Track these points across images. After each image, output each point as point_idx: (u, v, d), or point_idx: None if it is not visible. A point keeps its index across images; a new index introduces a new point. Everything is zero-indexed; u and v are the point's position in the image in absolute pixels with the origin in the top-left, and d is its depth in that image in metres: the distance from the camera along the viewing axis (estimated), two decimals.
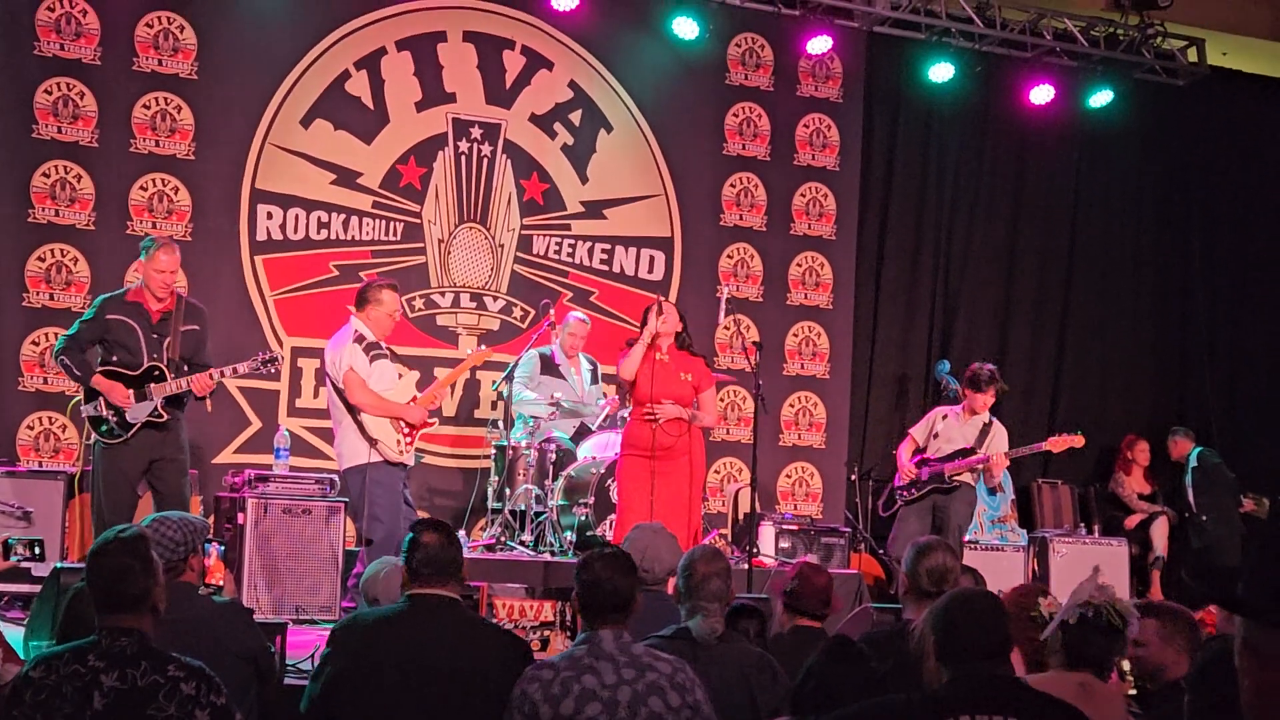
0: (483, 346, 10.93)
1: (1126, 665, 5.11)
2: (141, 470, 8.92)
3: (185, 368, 9.00)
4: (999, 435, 11.09)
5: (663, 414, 9.38)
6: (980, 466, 10.92)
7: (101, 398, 8.79)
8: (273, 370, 9.39)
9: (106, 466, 8.86)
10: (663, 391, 9.43)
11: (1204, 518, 13.48)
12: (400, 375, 9.82)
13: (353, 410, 9.25)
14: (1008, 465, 11.23)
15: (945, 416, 11.20)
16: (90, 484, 9.10)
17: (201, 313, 9.27)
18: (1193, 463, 13.75)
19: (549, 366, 11.30)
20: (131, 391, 8.82)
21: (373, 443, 9.22)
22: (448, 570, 5.16)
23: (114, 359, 8.87)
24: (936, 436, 11.09)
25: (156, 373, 8.90)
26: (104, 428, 8.84)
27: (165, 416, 8.93)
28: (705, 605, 5.44)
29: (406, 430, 9.38)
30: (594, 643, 4.77)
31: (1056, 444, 11.32)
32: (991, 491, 12.05)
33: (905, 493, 11.04)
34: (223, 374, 9.10)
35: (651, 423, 9.35)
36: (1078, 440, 11.30)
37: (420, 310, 12.10)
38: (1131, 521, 13.63)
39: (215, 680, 4.19)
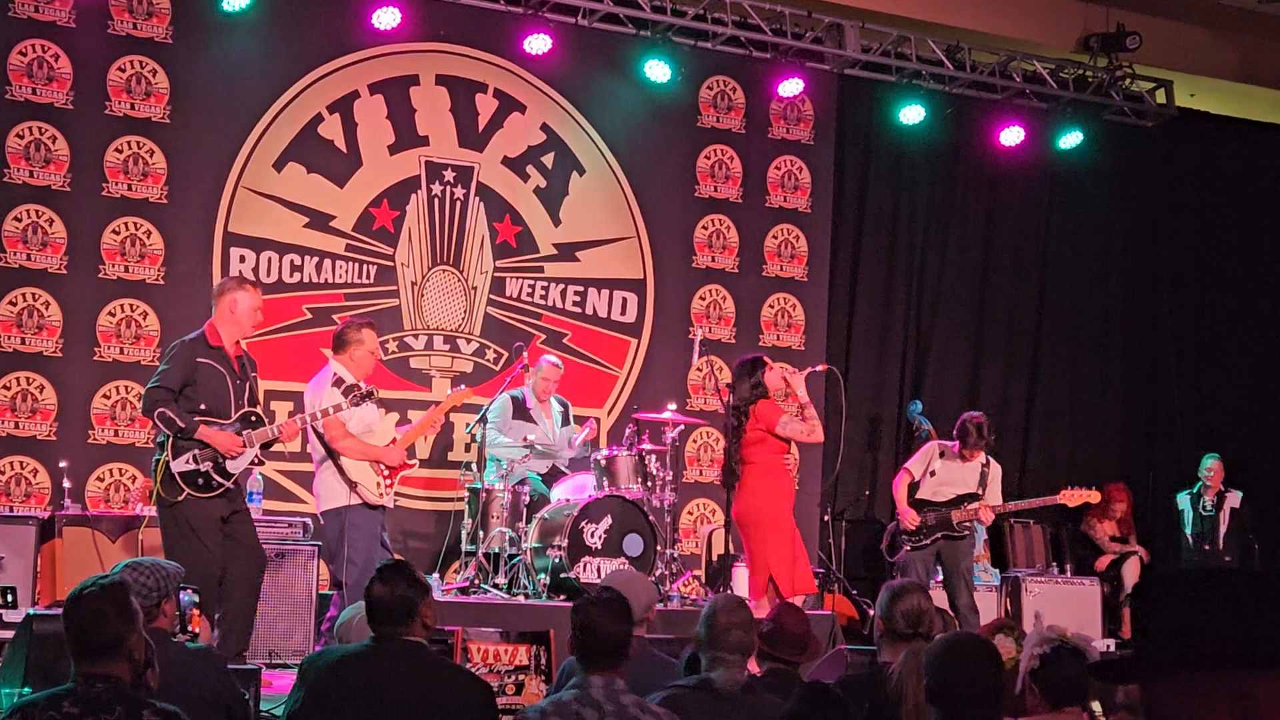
0: (462, 386, 10.90)
1: (1097, 707, 5.10)
2: (219, 525, 8.59)
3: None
4: (996, 480, 11.08)
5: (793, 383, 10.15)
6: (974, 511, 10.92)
7: (194, 451, 8.44)
8: (364, 405, 9.19)
9: (197, 516, 8.45)
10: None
11: (1226, 559, 13.42)
12: (381, 416, 9.80)
13: (333, 453, 9.21)
14: (993, 518, 11.24)
15: (943, 453, 11.11)
16: (168, 539, 8.51)
17: (254, 362, 9.18)
18: (1233, 503, 13.65)
19: (521, 410, 11.31)
20: (242, 439, 8.58)
21: (352, 485, 9.16)
22: (401, 616, 5.15)
23: (201, 407, 8.53)
24: (934, 475, 11.03)
25: (253, 419, 8.73)
26: (199, 481, 8.45)
27: (264, 463, 8.81)
28: (726, 656, 5.40)
29: (386, 472, 9.35)
30: (584, 688, 4.76)
31: (1071, 498, 11.34)
32: None
33: (912, 539, 10.92)
34: (305, 419, 9.00)
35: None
36: (1094, 495, 11.40)
37: (393, 353, 12.09)
38: (1102, 563, 13.64)
39: None
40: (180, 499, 8.43)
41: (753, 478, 9.95)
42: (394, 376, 12.02)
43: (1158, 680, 2.20)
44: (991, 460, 11.11)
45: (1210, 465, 13.78)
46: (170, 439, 8.42)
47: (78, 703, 4.12)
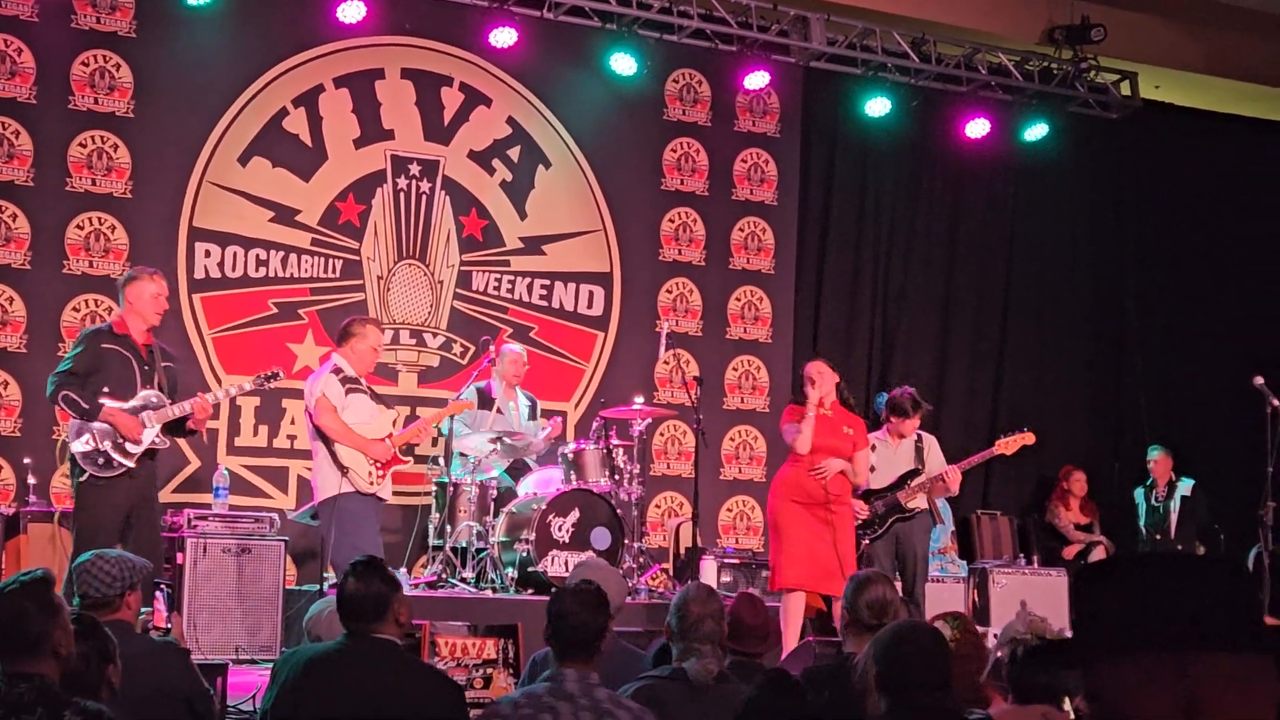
0: (462, 396, 10.92)
1: (1068, 705, 5.08)
2: (126, 514, 8.68)
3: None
4: (934, 446, 11.00)
5: (828, 469, 9.78)
6: (934, 485, 10.81)
7: (92, 431, 8.58)
8: (271, 386, 9.46)
9: (96, 501, 8.60)
10: (825, 445, 9.82)
11: (1179, 548, 13.47)
12: (381, 412, 9.85)
13: (327, 440, 9.29)
14: (960, 478, 11.06)
15: (874, 446, 11.02)
16: (75, 525, 8.73)
17: (173, 354, 9.33)
18: (1184, 491, 13.75)
19: (486, 401, 11.29)
20: (140, 419, 8.70)
21: (344, 471, 9.28)
22: (372, 613, 5.14)
23: (104, 391, 8.66)
24: (873, 469, 10.98)
25: (155, 400, 8.82)
26: (100, 461, 8.61)
27: (167, 443, 8.92)
28: (698, 647, 5.41)
29: (379, 464, 9.46)
30: (557, 681, 4.75)
31: (1007, 445, 11.13)
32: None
33: (868, 531, 10.88)
34: (218, 397, 9.17)
35: (820, 477, 9.74)
36: (1028, 438, 11.13)
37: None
38: (1069, 552, 13.70)
39: None
40: (83, 480, 8.62)
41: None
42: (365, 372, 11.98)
43: (1096, 663, 2.18)
44: (924, 434, 11.02)
45: (1154, 456, 13.89)
46: (70, 421, 8.65)
47: (0, 704, 4.06)
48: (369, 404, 9.63)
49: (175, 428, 8.98)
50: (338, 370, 9.52)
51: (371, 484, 9.43)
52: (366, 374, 9.78)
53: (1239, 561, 12.47)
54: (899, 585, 10.29)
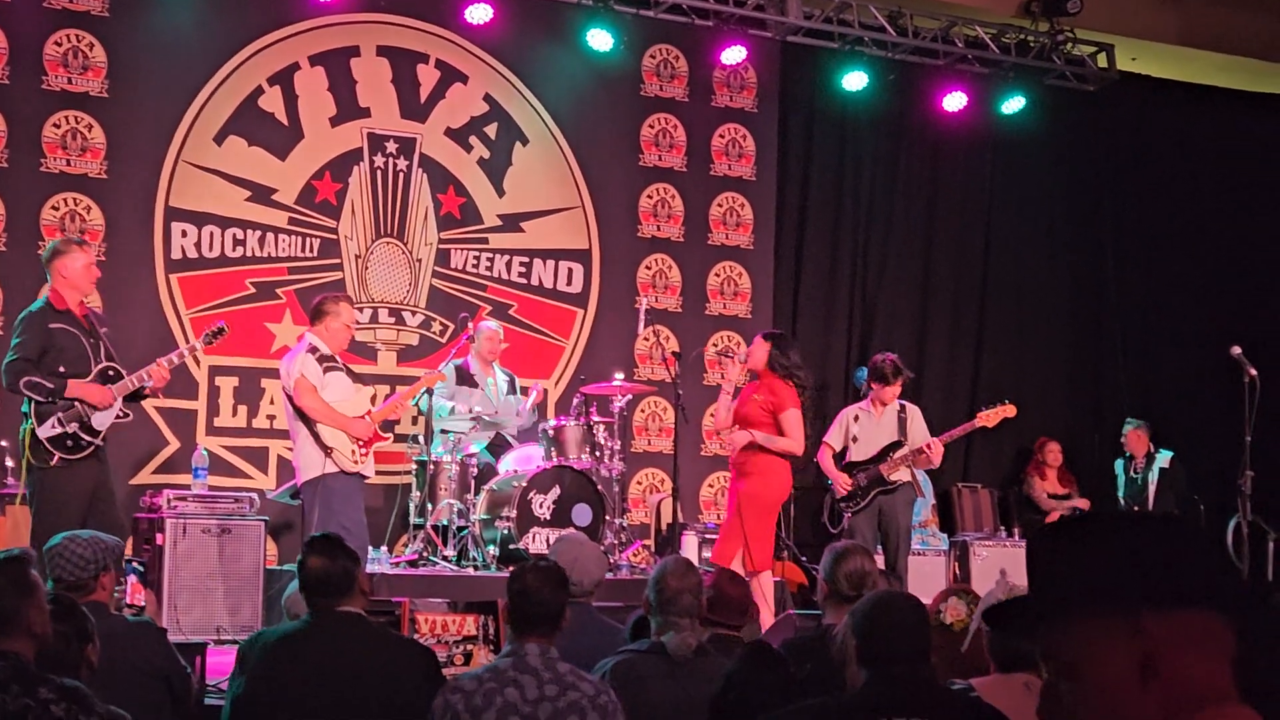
0: (440, 369, 10.91)
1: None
2: (90, 495, 8.60)
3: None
4: (917, 417, 10.99)
5: (735, 442, 9.96)
6: (915, 458, 10.81)
7: (58, 414, 8.48)
8: (217, 342, 9.44)
9: (64, 485, 8.50)
10: (738, 415, 10.01)
11: None
12: (357, 390, 9.81)
13: (308, 421, 9.26)
14: (943, 450, 11.04)
15: (857, 417, 11.03)
16: (39, 510, 8.52)
17: (104, 319, 9.26)
18: (1162, 463, 13.80)
19: (464, 377, 11.28)
20: (109, 389, 8.65)
21: (328, 451, 9.25)
22: (339, 588, 5.13)
23: (59, 369, 8.56)
24: (855, 440, 10.99)
25: (111, 373, 8.76)
26: (69, 444, 8.51)
27: (130, 415, 8.88)
28: (677, 620, 5.41)
29: (361, 442, 9.44)
30: (519, 655, 4.75)
31: (989, 417, 11.11)
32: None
33: (850, 504, 10.88)
34: (173, 360, 9.07)
35: (731, 450, 10.00)
36: (1009, 410, 11.10)
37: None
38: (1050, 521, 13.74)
39: (89, 701, 4.06)
40: (53, 464, 8.50)
41: None
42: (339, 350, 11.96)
43: (1052, 622, 2.18)
44: (906, 404, 11.02)
45: (1127, 432, 13.93)
46: (33, 406, 8.48)
47: None
48: (346, 381, 9.61)
49: (133, 395, 8.93)
50: (313, 349, 9.47)
51: (355, 463, 9.43)
52: (341, 351, 9.74)
53: (1194, 518, 12.51)
54: (881, 559, 10.31)
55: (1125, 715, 2.10)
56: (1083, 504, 13.86)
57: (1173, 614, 2.10)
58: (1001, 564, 12.11)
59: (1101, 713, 2.12)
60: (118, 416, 8.78)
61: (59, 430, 8.51)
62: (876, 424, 10.89)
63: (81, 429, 8.57)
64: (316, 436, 9.33)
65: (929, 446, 10.70)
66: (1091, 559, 2.15)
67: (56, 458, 8.50)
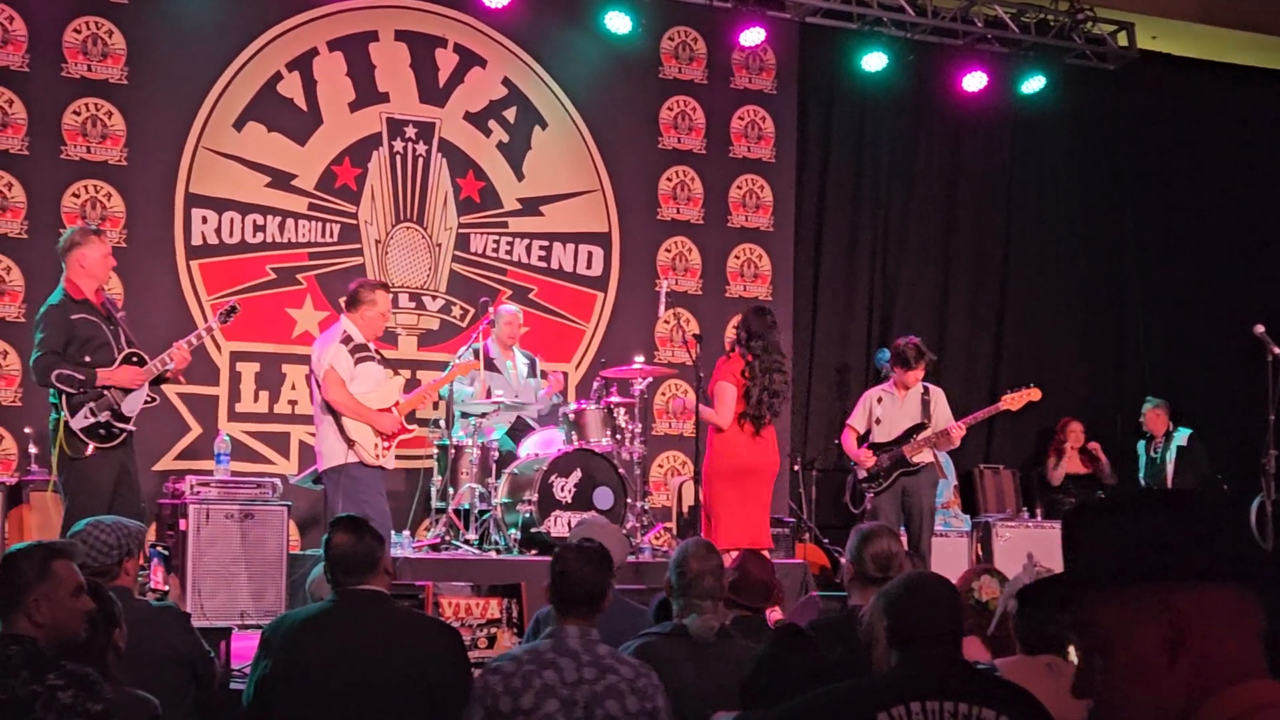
0: (469, 356, 10.87)
1: (1072, 654, 5.07)
2: (116, 481, 8.60)
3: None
4: (940, 400, 10.99)
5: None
6: (938, 440, 10.82)
7: (89, 404, 8.47)
8: (231, 319, 9.45)
9: (95, 473, 8.48)
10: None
11: None
12: (388, 377, 9.76)
13: (333, 411, 9.22)
14: (964, 433, 11.05)
15: (880, 399, 11.05)
16: (73, 500, 8.45)
17: (119, 305, 9.27)
18: (1180, 442, 13.76)
19: (485, 362, 11.27)
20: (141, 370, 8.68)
21: (350, 444, 9.20)
22: (364, 566, 5.13)
23: (85, 359, 8.55)
24: (879, 422, 10.99)
25: (135, 359, 8.75)
26: (101, 433, 8.52)
27: (156, 400, 8.92)
28: (698, 603, 5.40)
29: (385, 437, 9.38)
30: (559, 638, 4.75)
31: (1013, 400, 11.10)
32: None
33: (873, 485, 10.88)
34: (190, 342, 9.06)
35: None
36: (1034, 394, 11.12)
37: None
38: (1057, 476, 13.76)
39: (97, 686, 4.07)
40: (87, 453, 8.49)
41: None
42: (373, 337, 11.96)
43: (1083, 595, 2.19)
44: (930, 386, 11.03)
45: (1146, 411, 13.89)
46: (64, 398, 8.48)
47: None
48: (378, 371, 9.48)
49: (156, 379, 8.93)
50: (347, 339, 9.34)
51: (377, 457, 9.34)
52: (375, 339, 9.65)
53: (1224, 494, 12.45)
54: (904, 539, 10.30)
55: (1155, 690, 2.11)
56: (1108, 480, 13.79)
57: (1201, 589, 2.11)
58: (1024, 545, 12.16)
59: (1132, 687, 2.13)
60: (145, 401, 8.79)
61: (91, 420, 8.50)
62: (900, 406, 10.90)
63: (113, 417, 8.57)
64: (341, 427, 9.27)
65: (951, 429, 10.72)
66: (1121, 535, 2.17)
67: (91, 447, 8.49)
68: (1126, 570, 2.14)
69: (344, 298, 9.67)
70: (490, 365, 11.22)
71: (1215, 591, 2.11)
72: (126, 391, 8.64)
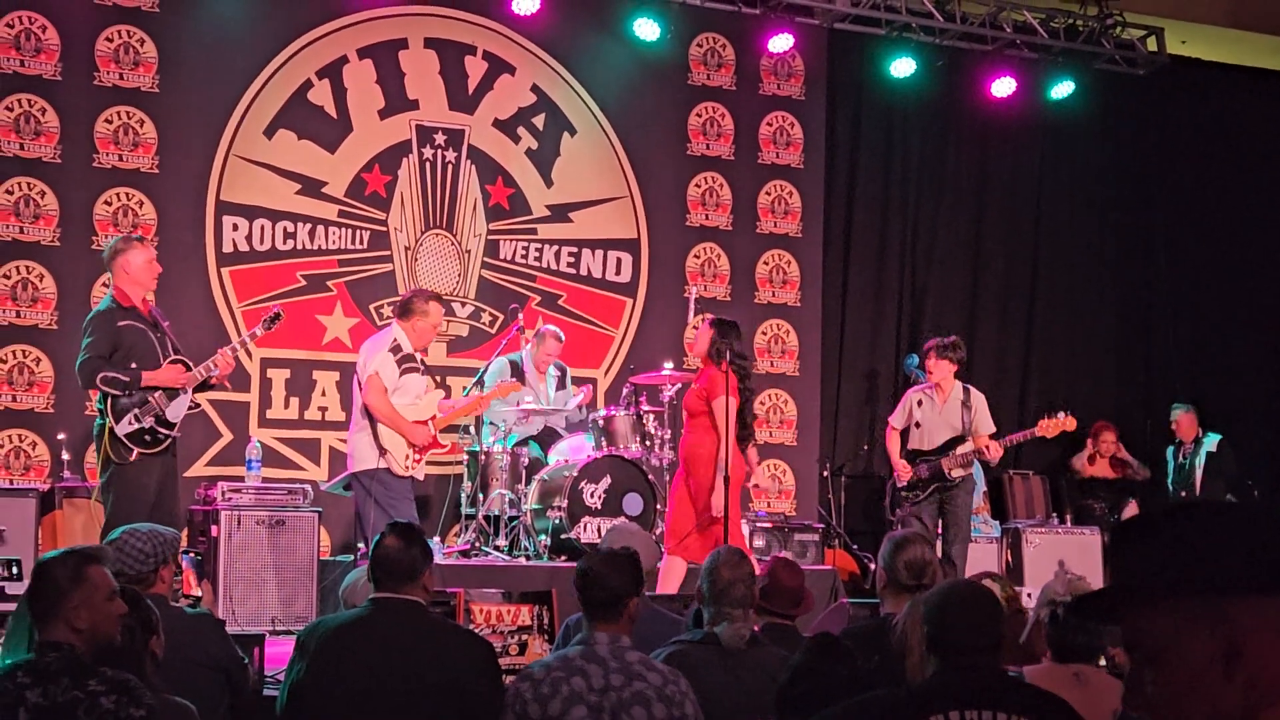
0: (512, 379, 10.87)
1: (1101, 662, 5.05)
2: (159, 488, 8.66)
3: None
4: (981, 406, 10.98)
5: None
6: (976, 456, 10.84)
7: (134, 410, 8.52)
8: (275, 327, 9.38)
9: (137, 479, 8.53)
10: (684, 404, 9.93)
11: None
12: (427, 390, 9.77)
13: (370, 416, 9.25)
14: (1001, 453, 11.02)
15: (920, 402, 11.05)
16: (117, 504, 8.47)
17: (163, 314, 9.28)
18: (1209, 447, 13.71)
19: (518, 375, 11.27)
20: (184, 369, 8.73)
21: (382, 452, 9.21)
22: (405, 574, 5.14)
23: (131, 366, 8.59)
24: (918, 425, 10.99)
25: (180, 366, 8.79)
26: (146, 438, 8.57)
27: (199, 407, 9.01)
28: (730, 611, 5.39)
29: (417, 449, 9.40)
30: (589, 644, 4.76)
31: (1049, 427, 11.10)
32: None
33: (910, 495, 10.89)
34: (235, 349, 9.14)
35: None
36: (1070, 423, 11.14)
37: (389, 318, 12.06)
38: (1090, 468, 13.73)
39: (138, 692, 4.10)
40: (132, 459, 8.53)
41: None
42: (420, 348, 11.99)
43: (1135, 610, 2.13)
44: (970, 390, 11.02)
45: (1176, 415, 13.84)
46: (109, 403, 8.52)
47: (30, 672, 4.11)
48: (420, 385, 9.48)
49: (200, 386, 8.98)
50: (396, 348, 9.36)
51: (407, 469, 9.37)
52: (421, 350, 9.66)
53: (1276, 504, 12.38)
54: (938, 546, 10.30)
55: (1209, 703, 2.05)
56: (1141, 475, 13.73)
57: (1259, 600, 2.04)
58: (1053, 551, 12.13)
59: (1185, 701, 2.07)
60: (189, 408, 8.83)
61: (136, 426, 8.55)
62: (939, 414, 10.90)
63: (158, 423, 8.61)
64: (375, 434, 9.29)
65: (988, 449, 10.72)
66: (1175, 545, 2.11)
67: (135, 453, 8.53)
68: (1182, 581, 2.08)
69: (396, 304, 9.70)
70: (523, 379, 11.20)
71: (1274, 602, 2.05)
72: (171, 397, 8.67)
